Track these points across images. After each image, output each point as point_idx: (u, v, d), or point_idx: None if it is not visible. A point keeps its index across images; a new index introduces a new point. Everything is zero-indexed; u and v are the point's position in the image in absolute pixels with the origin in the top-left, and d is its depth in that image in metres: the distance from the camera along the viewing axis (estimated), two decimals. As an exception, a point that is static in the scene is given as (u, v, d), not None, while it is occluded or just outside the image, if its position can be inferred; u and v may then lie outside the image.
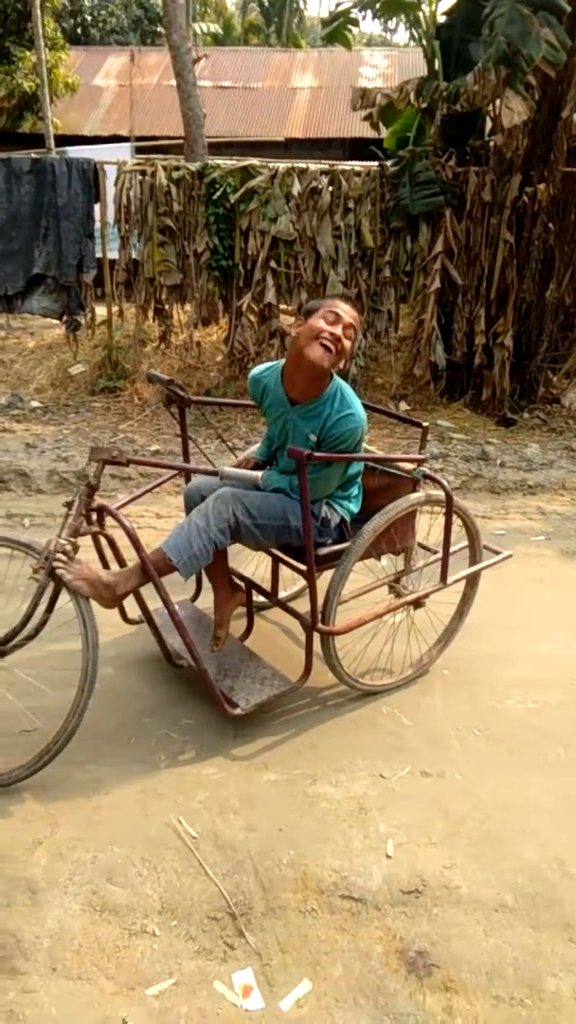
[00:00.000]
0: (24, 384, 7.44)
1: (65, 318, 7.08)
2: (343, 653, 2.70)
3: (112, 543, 2.63)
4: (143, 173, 6.57)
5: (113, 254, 6.98)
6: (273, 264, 6.58)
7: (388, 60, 16.69)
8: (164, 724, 2.69)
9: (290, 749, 2.61)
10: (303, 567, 2.54)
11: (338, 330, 2.42)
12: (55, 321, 7.36)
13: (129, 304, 7.08)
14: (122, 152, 10.39)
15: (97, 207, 6.86)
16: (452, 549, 2.78)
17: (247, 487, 2.49)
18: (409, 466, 2.79)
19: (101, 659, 2.42)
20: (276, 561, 2.86)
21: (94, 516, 2.48)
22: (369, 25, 59.46)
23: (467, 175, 6.31)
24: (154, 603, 2.53)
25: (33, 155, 6.88)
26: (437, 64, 6.44)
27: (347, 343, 2.46)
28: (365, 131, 13.28)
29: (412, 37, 6.92)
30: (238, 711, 2.59)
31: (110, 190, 6.75)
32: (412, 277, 6.69)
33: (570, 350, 6.99)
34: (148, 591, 2.49)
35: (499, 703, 2.89)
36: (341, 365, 2.48)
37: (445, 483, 2.68)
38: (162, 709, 2.76)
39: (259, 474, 2.34)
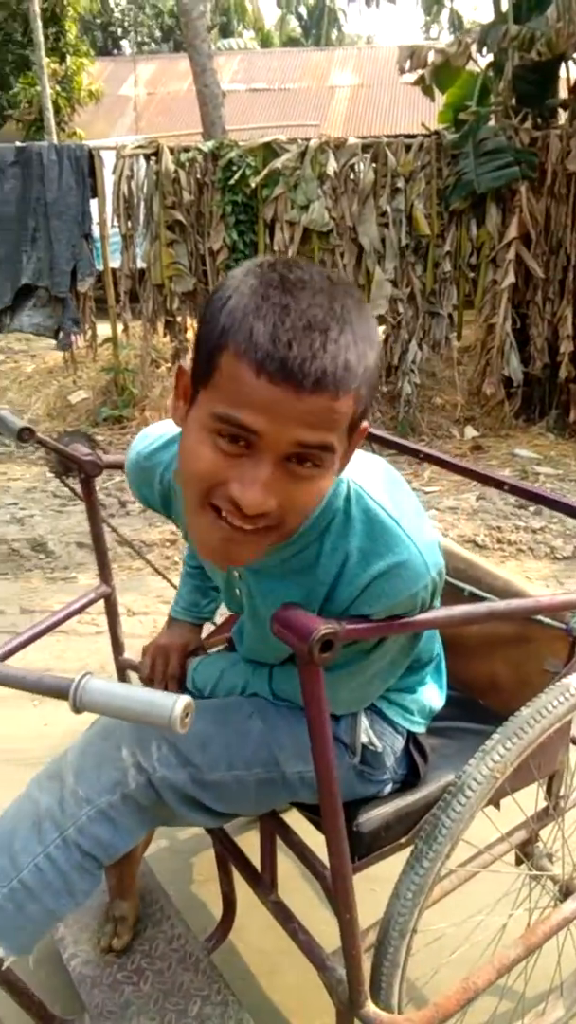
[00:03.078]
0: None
1: (60, 336, 5.96)
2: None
3: None
4: (147, 158, 5.42)
5: (116, 262, 5.86)
6: (305, 262, 5.35)
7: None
8: None
9: None
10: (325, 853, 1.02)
11: (256, 493, 0.82)
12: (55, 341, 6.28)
13: (136, 318, 5.95)
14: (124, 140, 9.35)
15: (94, 203, 5.75)
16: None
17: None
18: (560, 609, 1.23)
19: None
20: (270, 825, 1.32)
21: None
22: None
23: (547, 140, 4.98)
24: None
25: (18, 144, 5.79)
26: (505, 5, 5.14)
27: (302, 500, 0.86)
28: (412, 126, 12.11)
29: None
30: None
31: (108, 182, 5.63)
32: (479, 271, 5.37)
33: None
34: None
35: None
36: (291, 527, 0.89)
37: None
38: None
39: (183, 700, 0.73)
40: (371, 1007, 1.06)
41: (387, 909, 1.11)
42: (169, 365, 6.18)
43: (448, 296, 5.36)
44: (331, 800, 0.95)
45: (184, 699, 0.76)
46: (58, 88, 12.50)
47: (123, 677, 1.73)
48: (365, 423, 0.89)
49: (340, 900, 1.00)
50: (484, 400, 5.47)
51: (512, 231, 5.08)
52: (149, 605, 3.00)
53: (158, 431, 1.17)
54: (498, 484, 1.41)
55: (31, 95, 12.80)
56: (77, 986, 1.35)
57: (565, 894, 1.33)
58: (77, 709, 0.80)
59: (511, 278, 5.10)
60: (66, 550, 3.54)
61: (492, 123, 5.15)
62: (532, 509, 3.87)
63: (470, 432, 5.36)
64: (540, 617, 1.30)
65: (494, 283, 5.21)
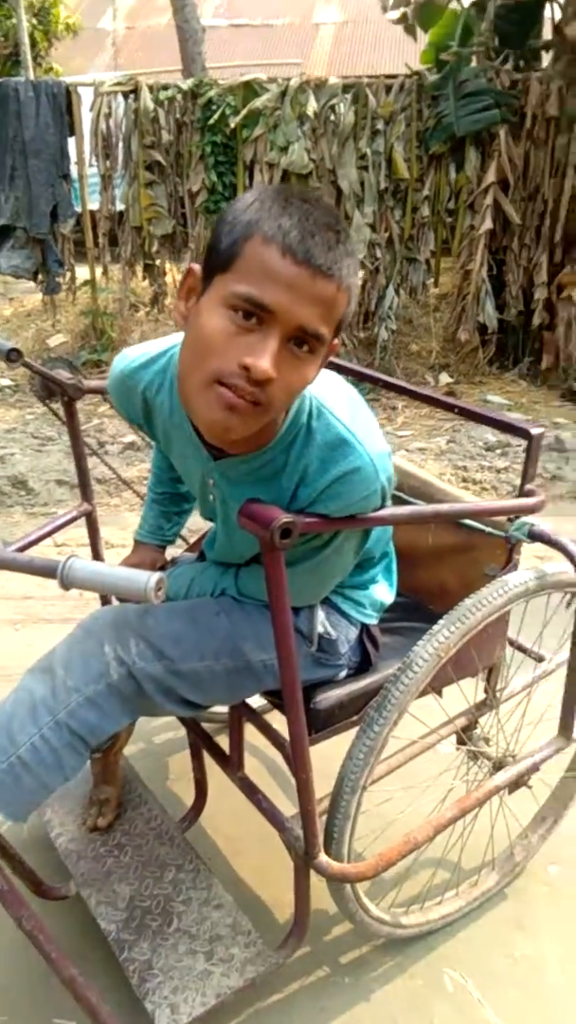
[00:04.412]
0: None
1: (40, 278, 5.94)
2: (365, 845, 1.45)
3: None
4: (125, 95, 5.36)
5: (94, 204, 5.82)
6: (284, 205, 5.34)
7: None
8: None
9: None
10: (286, 732, 1.16)
11: (267, 361, 0.93)
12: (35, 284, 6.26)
13: (115, 261, 5.93)
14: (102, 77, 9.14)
15: (72, 142, 5.69)
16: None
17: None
18: (503, 516, 1.38)
19: None
20: (238, 711, 1.46)
21: None
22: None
23: (528, 83, 4.97)
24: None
25: (-7, 79, 5.68)
26: None
27: (292, 381, 0.98)
28: (398, 65, 11.87)
29: None
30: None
31: (86, 120, 5.56)
32: (456, 216, 5.40)
33: None
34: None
35: None
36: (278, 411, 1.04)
37: None
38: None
39: (156, 575, 0.85)
40: (324, 857, 1.22)
41: (340, 769, 1.26)
42: (148, 310, 6.19)
43: (426, 241, 5.40)
44: (289, 672, 1.08)
45: (157, 575, 0.88)
46: (34, 21, 12.10)
47: (103, 591, 1.86)
48: (337, 340, 1.03)
49: (297, 762, 1.14)
50: (459, 347, 5.55)
51: (490, 176, 5.11)
52: (126, 539, 3.12)
53: (137, 352, 1.27)
54: (448, 407, 1.53)
55: (6, 28, 12.35)
56: (64, 859, 1.51)
57: (497, 769, 1.50)
58: (65, 586, 0.92)
59: (488, 223, 5.14)
60: (46, 487, 3.64)
61: (474, 64, 5.12)
62: (498, 451, 4.00)
63: (444, 378, 5.45)
64: (483, 527, 1.43)
65: (471, 228, 5.26)
